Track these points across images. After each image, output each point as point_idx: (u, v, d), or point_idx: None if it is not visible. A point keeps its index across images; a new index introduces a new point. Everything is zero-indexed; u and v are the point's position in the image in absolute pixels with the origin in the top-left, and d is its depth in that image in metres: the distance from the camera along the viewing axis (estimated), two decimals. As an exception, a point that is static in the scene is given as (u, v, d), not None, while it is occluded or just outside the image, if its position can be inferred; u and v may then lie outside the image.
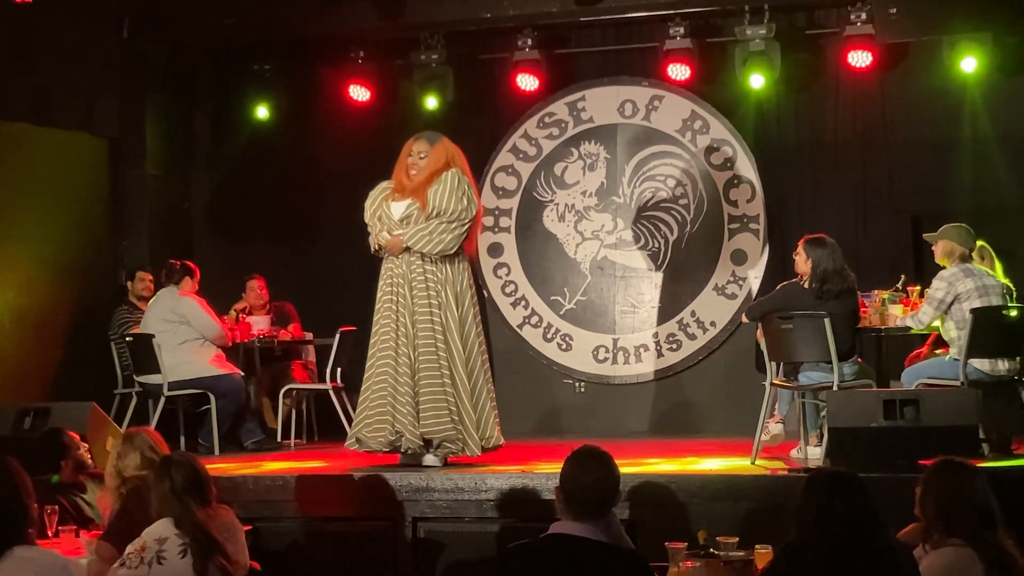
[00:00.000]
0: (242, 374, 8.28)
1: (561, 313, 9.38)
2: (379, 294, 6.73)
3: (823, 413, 6.51)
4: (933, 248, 6.92)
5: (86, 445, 5.86)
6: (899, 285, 7.17)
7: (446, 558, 6.18)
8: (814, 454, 6.65)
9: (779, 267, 8.82)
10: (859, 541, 3.56)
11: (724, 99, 9.27)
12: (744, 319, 7.56)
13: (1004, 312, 6.56)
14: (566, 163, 9.47)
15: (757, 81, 8.86)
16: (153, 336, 7.99)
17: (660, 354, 9.16)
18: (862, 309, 6.95)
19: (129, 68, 9.33)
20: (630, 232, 9.31)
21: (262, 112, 9.80)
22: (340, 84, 9.51)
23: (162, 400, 7.99)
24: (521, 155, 9.55)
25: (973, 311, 6.48)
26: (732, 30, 8.91)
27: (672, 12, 8.93)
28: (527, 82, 9.25)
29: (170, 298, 8.16)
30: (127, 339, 8.36)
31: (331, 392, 8.26)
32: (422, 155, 6.70)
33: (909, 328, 6.84)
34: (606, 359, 9.25)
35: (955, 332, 6.63)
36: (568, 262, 9.41)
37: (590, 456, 3.78)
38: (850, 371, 6.72)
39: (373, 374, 6.66)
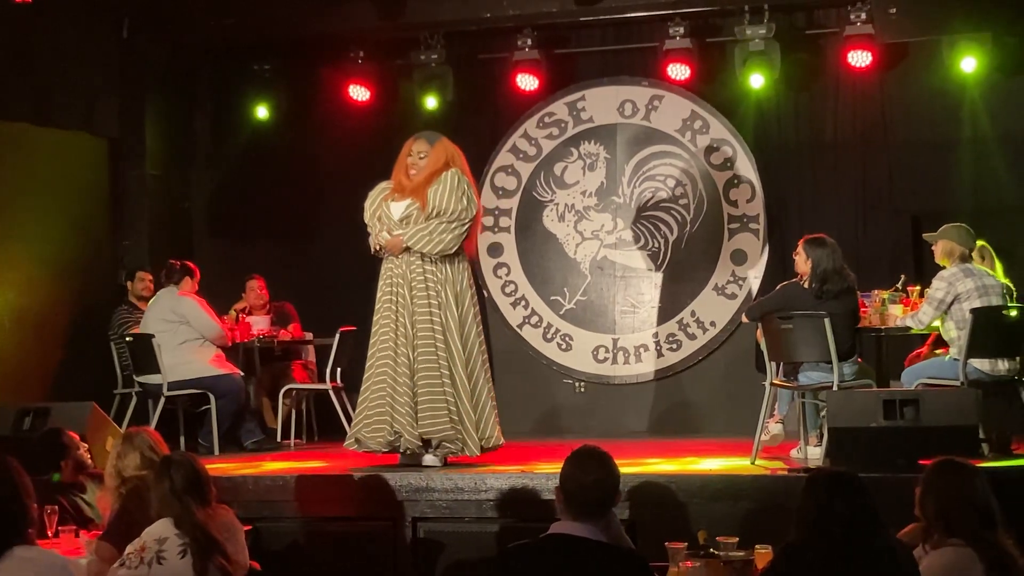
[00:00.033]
0: (242, 374, 8.27)
1: (561, 313, 9.38)
2: (379, 294, 6.72)
3: (823, 413, 6.51)
4: (933, 248, 6.92)
5: (86, 445, 5.86)
6: (899, 285, 7.17)
7: (446, 558, 6.18)
8: (814, 454, 6.65)
9: (779, 267, 8.83)
10: (859, 541, 3.56)
11: (724, 99, 9.27)
12: (744, 319, 7.56)
13: (1004, 312, 6.56)
14: (566, 163, 9.47)
15: (757, 81, 8.86)
16: (153, 336, 7.99)
17: (660, 354, 9.16)
18: (862, 309, 6.95)
19: (129, 68, 9.33)
20: (630, 232, 9.31)
21: (262, 112, 9.80)
22: (340, 84, 9.51)
23: (162, 400, 7.99)
24: (521, 155, 9.55)
25: (973, 311, 6.48)
26: (732, 30, 8.91)
27: (672, 12, 8.93)
28: (527, 82, 9.25)
29: (170, 298, 8.16)
30: (127, 339, 8.35)
31: (331, 392, 8.26)
32: (422, 155, 6.69)
33: (909, 328, 6.84)
34: (606, 359, 9.26)
35: (955, 332, 6.63)
36: (568, 262, 9.41)
37: (590, 456, 3.78)
38: (850, 371, 6.72)
39: (372, 374, 6.66)
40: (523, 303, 9.44)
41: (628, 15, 9.15)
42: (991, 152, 8.71)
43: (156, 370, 7.99)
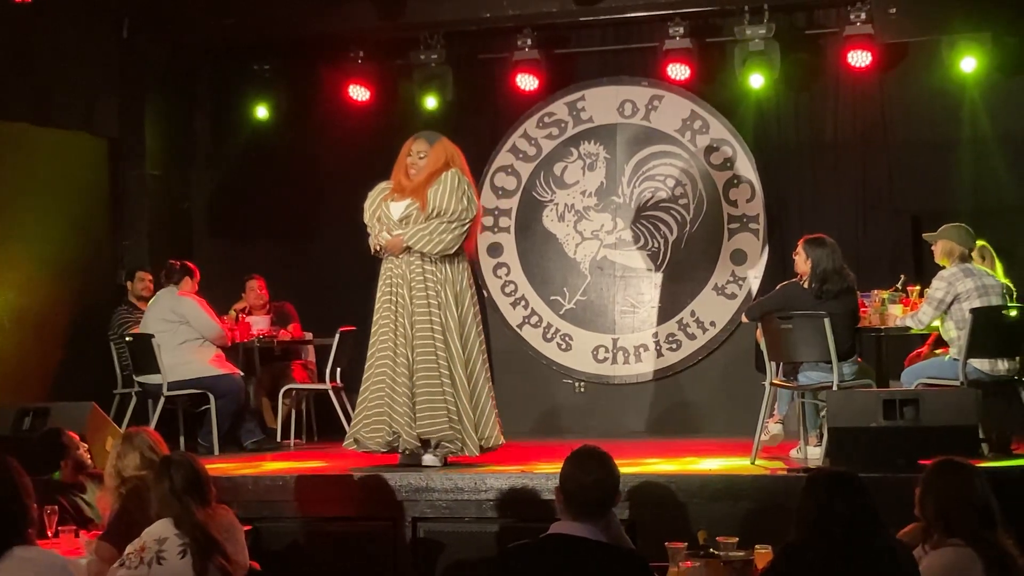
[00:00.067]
0: (242, 374, 8.27)
1: (561, 313, 9.38)
2: (378, 294, 6.72)
3: (823, 413, 6.51)
4: (933, 248, 6.92)
5: (85, 445, 5.85)
6: (899, 285, 7.18)
7: (446, 558, 6.18)
8: (814, 454, 6.65)
9: (779, 267, 8.82)
10: (859, 541, 3.56)
11: (724, 99, 9.27)
12: (744, 319, 7.56)
13: (1004, 312, 6.56)
14: (566, 163, 9.47)
15: (757, 81, 8.86)
16: (153, 336, 7.99)
17: (660, 354, 9.16)
18: (862, 309, 6.95)
19: (129, 68, 9.33)
20: (630, 232, 9.31)
21: (262, 112, 9.80)
22: (340, 84, 9.50)
23: (162, 400, 7.99)
24: (521, 155, 9.55)
25: (973, 311, 6.48)
26: (732, 30, 8.91)
27: (672, 12, 8.93)
28: (527, 82, 9.25)
29: (170, 298, 8.16)
30: (127, 339, 8.35)
31: (331, 392, 8.26)
32: (421, 155, 6.69)
33: (909, 328, 6.85)
34: (606, 359, 9.26)
35: (955, 332, 6.63)
36: (568, 262, 9.41)
37: (590, 456, 3.78)
38: (850, 371, 6.72)
39: (371, 375, 6.66)
40: (523, 303, 9.44)
41: (628, 15, 9.14)
42: (991, 152, 8.71)
43: (156, 370, 7.99)
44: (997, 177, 8.67)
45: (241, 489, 6.39)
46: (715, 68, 9.21)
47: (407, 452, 6.60)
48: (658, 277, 9.23)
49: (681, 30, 8.86)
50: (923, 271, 7.91)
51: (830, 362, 6.55)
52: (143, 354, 8.04)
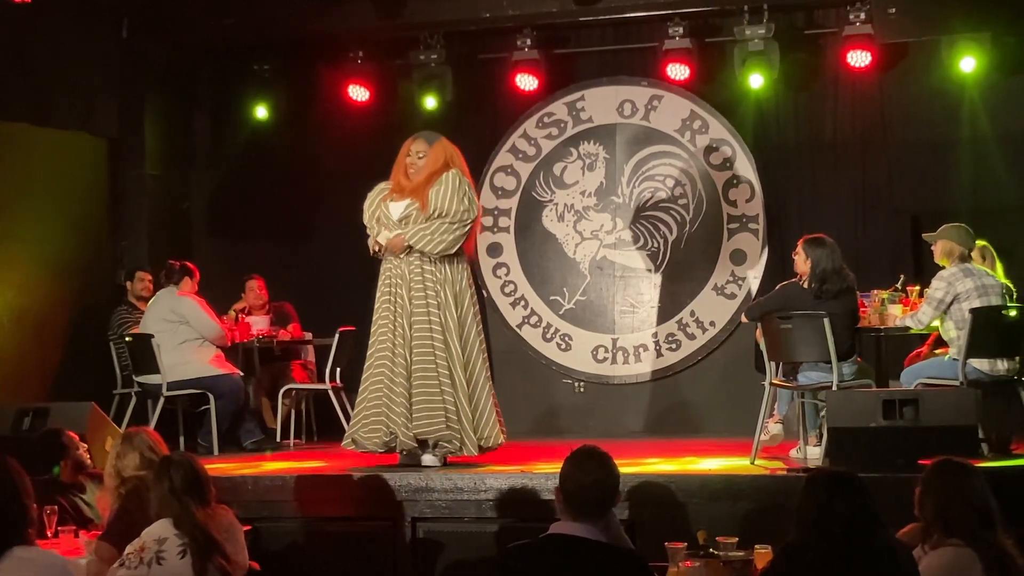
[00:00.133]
0: (241, 374, 8.27)
1: (560, 313, 9.38)
2: (378, 294, 6.72)
3: (822, 413, 6.51)
4: (932, 248, 6.92)
5: (85, 445, 5.85)
6: (898, 285, 7.17)
7: (445, 558, 6.18)
8: (813, 454, 6.65)
9: (778, 267, 8.82)
10: (859, 541, 3.56)
11: (723, 99, 9.27)
12: (743, 319, 7.56)
13: (1003, 312, 6.56)
14: (565, 163, 9.47)
15: (756, 81, 8.86)
16: (152, 336, 7.99)
17: (659, 354, 9.16)
18: (861, 309, 6.95)
19: (128, 68, 9.33)
20: (629, 232, 9.31)
21: (261, 112, 9.80)
22: (339, 84, 9.50)
23: (161, 400, 7.99)
24: (520, 155, 9.55)
25: (972, 311, 6.48)
26: (731, 30, 8.91)
27: (671, 12, 8.93)
28: (526, 82, 9.25)
29: (169, 298, 8.16)
30: (126, 339, 8.35)
31: (330, 392, 8.26)
32: (420, 154, 6.68)
33: (908, 328, 6.84)
34: (605, 359, 9.26)
35: (954, 332, 6.63)
36: (567, 262, 9.41)
37: (589, 456, 3.78)
38: (849, 371, 6.72)
39: (370, 375, 6.66)
40: (522, 303, 9.44)
41: (627, 15, 9.15)
42: (990, 152, 8.71)
43: (155, 370, 7.99)
44: (997, 177, 8.67)
45: (241, 489, 6.39)
46: (715, 68, 9.21)
47: (405, 452, 6.60)
48: (658, 277, 9.23)
49: (681, 30, 8.86)
50: (923, 271, 7.91)
51: (830, 362, 6.55)
52: (143, 354, 8.04)
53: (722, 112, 9.20)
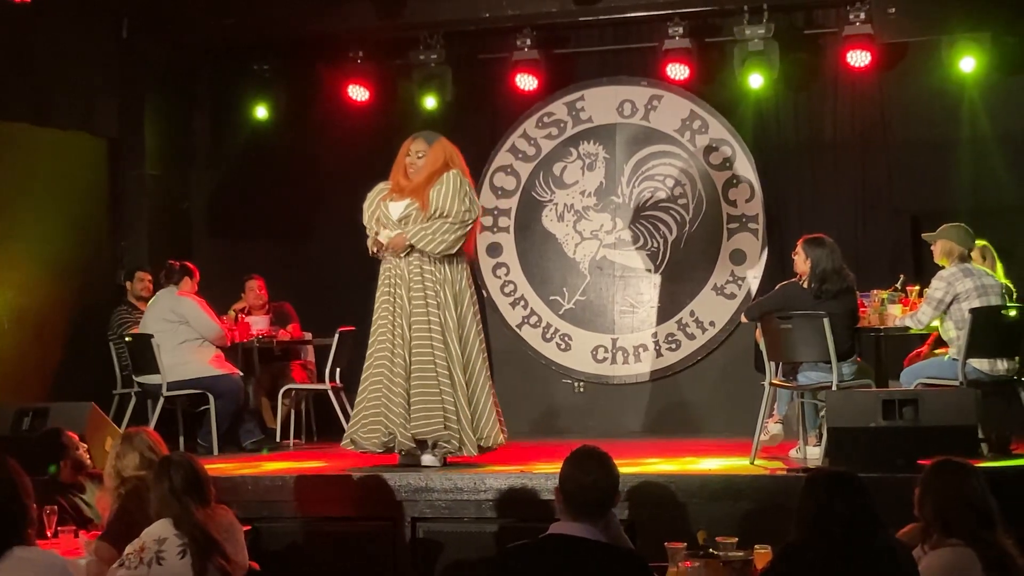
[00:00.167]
0: (241, 374, 8.27)
1: (560, 313, 9.38)
2: (377, 294, 6.72)
3: (822, 413, 6.51)
4: (932, 248, 6.92)
5: (85, 445, 5.85)
6: (898, 285, 7.17)
7: (445, 558, 6.18)
8: (813, 454, 6.65)
9: (778, 267, 8.82)
10: (859, 541, 3.56)
11: (723, 99, 9.27)
12: (743, 319, 7.55)
13: (1003, 312, 6.56)
14: (565, 163, 9.47)
15: (756, 81, 8.86)
16: (152, 336, 7.99)
17: (659, 354, 9.16)
18: (861, 309, 6.95)
19: (128, 68, 9.33)
20: (629, 232, 9.31)
21: (261, 112, 9.80)
22: (339, 84, 9.50)
23: (161, 400, 7.99)
24: (520, 155, 9.55)
25: (972, 311, 6.48)
26: (731, 30, 8.91)
27: (671, 12, 8.93)
28: (526, 82, 9.25)
29: (169, 298, 8.16)
30: (126, 339, 8.35)
31: (330, 392, 8.26)
32: (420, 154, 6.68)
33: (908, 328, 6.84)
34: (605, 359, 9.26)
35: (954, 332, 6.63)
36: (567, 262, 9.41)
37: (589, 456, 3.78)
38: (849, 371, 6.72)
39: (369, 375, 6.66)
40: (522, 303, 9.44)
41: (627, 15, 9.15)
42: (990, 152, 8.71)
43: (155, 370, 7.99)
44: (996, 177, 8.67)
45: (241, 489, 6.39)
46: (714, 68, 9.21)
47: (404, 452, 6.60)
48: (657, 277, 9.23)
49: (680, 30, 8.86)
50: (922, 271, 7.91)
51: (829, 362, 6.55)
52: (142, 354, 8.04)
53: (722, 112, 9.20)
